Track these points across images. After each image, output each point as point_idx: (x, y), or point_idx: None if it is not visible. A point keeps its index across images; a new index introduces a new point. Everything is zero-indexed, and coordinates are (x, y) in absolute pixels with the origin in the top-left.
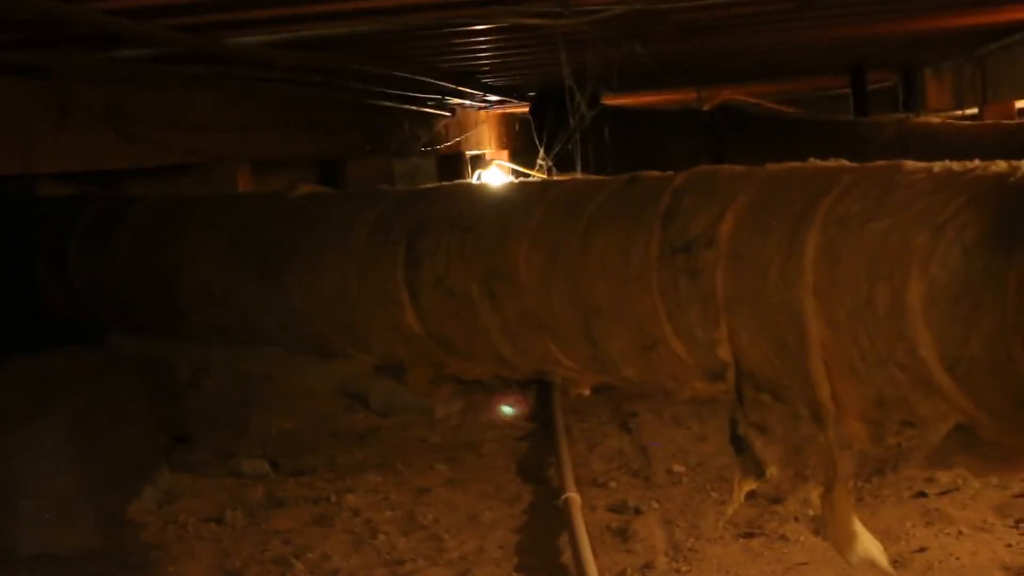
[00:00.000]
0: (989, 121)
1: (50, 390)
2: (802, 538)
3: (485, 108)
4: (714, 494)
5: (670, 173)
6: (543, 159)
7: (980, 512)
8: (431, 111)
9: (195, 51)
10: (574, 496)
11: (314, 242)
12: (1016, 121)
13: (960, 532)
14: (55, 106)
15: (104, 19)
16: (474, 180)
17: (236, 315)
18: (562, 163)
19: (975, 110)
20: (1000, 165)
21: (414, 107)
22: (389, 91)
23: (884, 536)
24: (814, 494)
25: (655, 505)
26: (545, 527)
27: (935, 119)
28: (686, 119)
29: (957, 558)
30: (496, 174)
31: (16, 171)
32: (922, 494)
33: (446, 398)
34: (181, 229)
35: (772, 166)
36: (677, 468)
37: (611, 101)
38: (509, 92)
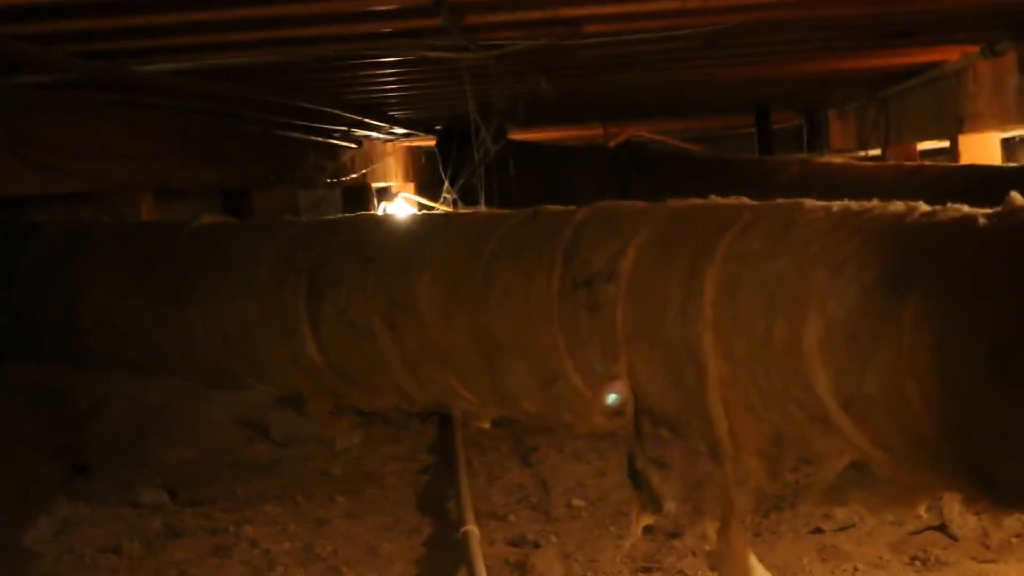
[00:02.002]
0: (890, 162)
1: None
2: (699, 573)
3: (391, 140)
4: (613, 528)
5: (573, 208)
6: (448, 192)
7: (876, 549)
8: (337, 142)
9: (100, 78)
10: (473, 529)
11: (216, 272)
12: (917, 163)
13: (856, 569)
14: None
15: (7, 44)
16: (379, 212)
17: (137, 344)
18: (467, 196)
19: (878, 151)
20: (898, 205)
21: (320, 138)
22: (295, 122)
23: (780, 572)
24: (711, 529)
25: (554, 539)
26: (444, 560)
27: (837, 159)
28: (591, 155)
29: None
30: (401, 206)
31: None
32: (819, 530)
33: (346, 429)
34: (82, 257)
35: (674, 202)
36: (577, 502)
37: (517, 135)
38: (415, 125)
